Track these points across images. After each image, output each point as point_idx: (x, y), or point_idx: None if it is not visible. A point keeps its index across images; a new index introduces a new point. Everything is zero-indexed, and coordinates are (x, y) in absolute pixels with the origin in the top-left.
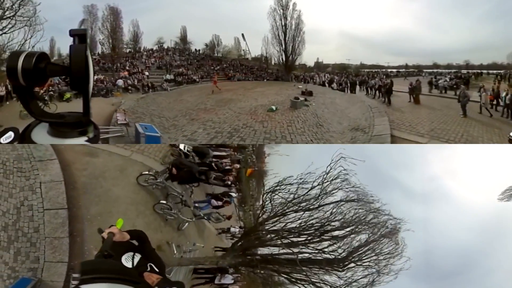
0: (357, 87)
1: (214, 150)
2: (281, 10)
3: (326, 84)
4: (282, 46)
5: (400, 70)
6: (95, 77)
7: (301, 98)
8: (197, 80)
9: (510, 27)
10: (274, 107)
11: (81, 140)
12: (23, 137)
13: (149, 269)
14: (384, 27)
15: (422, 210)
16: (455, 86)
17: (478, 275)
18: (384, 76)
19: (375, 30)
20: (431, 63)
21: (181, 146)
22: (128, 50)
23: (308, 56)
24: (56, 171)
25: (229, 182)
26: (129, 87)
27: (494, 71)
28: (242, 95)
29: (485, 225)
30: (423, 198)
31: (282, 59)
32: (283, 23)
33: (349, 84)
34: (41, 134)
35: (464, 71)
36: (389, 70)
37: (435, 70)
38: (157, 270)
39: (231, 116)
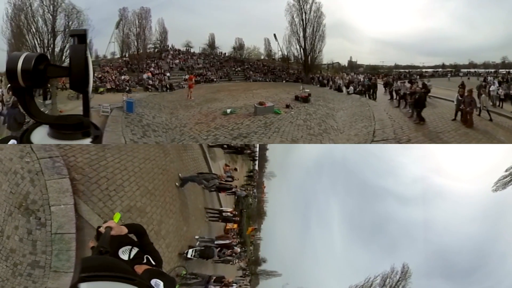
0: (383, 90)
1: (217, 239)
2: (299, 5)
3: (343, 89)
4: (301, 44)
5: (437, 69)
6: (122, 77)
7: (289, 103)
8: (215, 80)
9: None
10: (228, 110)
11: (86, 141)
12: (22, 140)
13: (145, 261)
14: (417, 28)
15: (421, 212)
16: None
17: (494, 264)
18: (417, 77)
19: (409, 33)
20: (467, 62)
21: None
22: (155, 50)
23: (341, 54)
24: None
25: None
26: (149, 86)
27: None
28: (231, 96)
29: (485, 212)
30: (418, 200)
31: (301, 58)
32: (302, 18)
33: (366, 87)
34: (41, 137)
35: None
36: (424, 70)
37: (472, 70)
38: (153, 263)
39: (194, 114)
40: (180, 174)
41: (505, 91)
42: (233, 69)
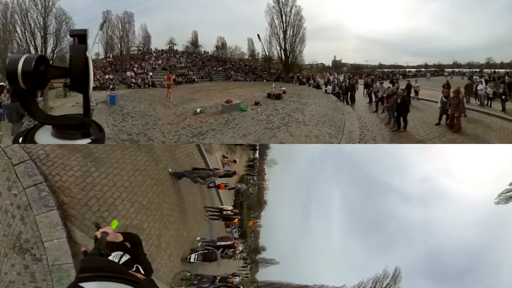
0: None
1: (219, 240)
2: (279, 7)
3: (322, 87)
4: (281, 45)
5: (420, 69)
6: (106, 76)
7: (257, 101)
8: (196, 80)
9: None
10: (198, 110)
11: (85, 142)
12: (26, 138)
13: (134, 269)
14: (402, 27)
15: (422, 212)
16: (503, 97)
17: (487, 270)
18: (400, 77)
19: (393, 31)
20: (451, 62)
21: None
22: (139, 52)
23: (324, 56)
24: None
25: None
26: (132, 84)
27: None
28: (207, 96)
29: (485, 219)
30: (421, 200)
31: (282, 58)
32: (282, 20)
33: (344, 89)
34: (45, 136)
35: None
36: (408, 70)
37: (456, 70)
38: (142, 272)
39: (168, 114)
40: (169, 169)
41: (493, 89)
42: (215, 68)
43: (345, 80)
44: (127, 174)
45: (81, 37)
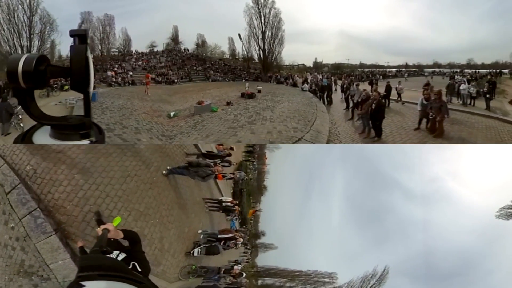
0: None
1: (220, 233)
2: (258, 8)
3: (299, 85)
4: (260, 45)
5: (400, 69)
6: None
7: (227, 101)
8: (176, 81)
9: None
10: (172, 114)
11: (85, 142)
12: (24, 139)
13: (131, 267)
14: (383, 26)
15: (422, 212)
16: (488, 96)
17: (477, 276)
18: (380, 77)
19: (374, 29)
20: (431, 63)
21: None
22: (119, 53)
23: (305, 57)
24: None
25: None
26: (112, 83)
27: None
28: (183, 98)
29: (485, 228)
30: (424, 199)
31: (260, 58)
32: (261, 21)
33: (320, 87)
34: (43, 137)
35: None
36: (388, 70)
37: (437, 70)
38: (139, 270)
39: (145, 106)
40: (163, 172)
41: (476, 88)
42: (195, 68)
43: (323, 79)
44: (118, 182)
45: (81, 37)
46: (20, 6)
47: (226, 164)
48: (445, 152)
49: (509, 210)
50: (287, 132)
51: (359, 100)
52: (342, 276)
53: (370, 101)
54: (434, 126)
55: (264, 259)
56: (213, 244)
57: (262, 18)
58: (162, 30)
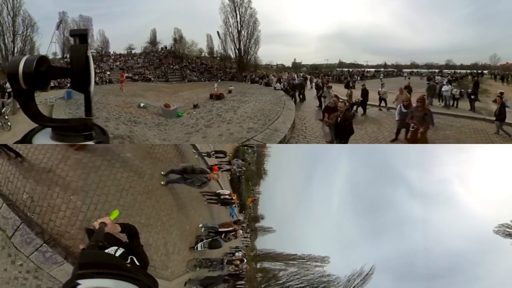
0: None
1: (221, 226)
2: (233, 6)
3: (273, 85)
4: (236, 44)
5: (379, 69)
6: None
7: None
8: (152, 79)
9: (490, 32)
10: (142, 105)
11: (89, 143)
12: (23, 141)
13: (129, 261)
14: (362, 21)
15: (422, 211)
16: (473, 96)
17: (463, 281)
18: (358, 78)
19: (354, 25)
20: (409, 63)
21: None
22: (97, 54)
23: (283, 58)
24: None
25: None
26: None
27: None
28: (156, 96)
29: (482, 237)
30: (426, 199)
31: (236, 57)
32: (236, 20)
33: (291, 86)
34: (43, 139)
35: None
36: (366, 70)
37: (415, 70)
38: (137, 263)
39: (118, 100)
40: (162, 182)
41: (459, 89)
42: (171, 66)
43: (297, 78)
44: (114, 198)
45: (81, 36)
46: (4, 7)
47: (221, 155)
48: (461, 154)
49: (508, 230)
50: (239, 134)
51: (329, 105)
52: (334, 260)
53: (337, 113)
54: (415, 136)
55: (262, 242)
56: (215, 238)
57: (238, 17)
58: (140, 35)
